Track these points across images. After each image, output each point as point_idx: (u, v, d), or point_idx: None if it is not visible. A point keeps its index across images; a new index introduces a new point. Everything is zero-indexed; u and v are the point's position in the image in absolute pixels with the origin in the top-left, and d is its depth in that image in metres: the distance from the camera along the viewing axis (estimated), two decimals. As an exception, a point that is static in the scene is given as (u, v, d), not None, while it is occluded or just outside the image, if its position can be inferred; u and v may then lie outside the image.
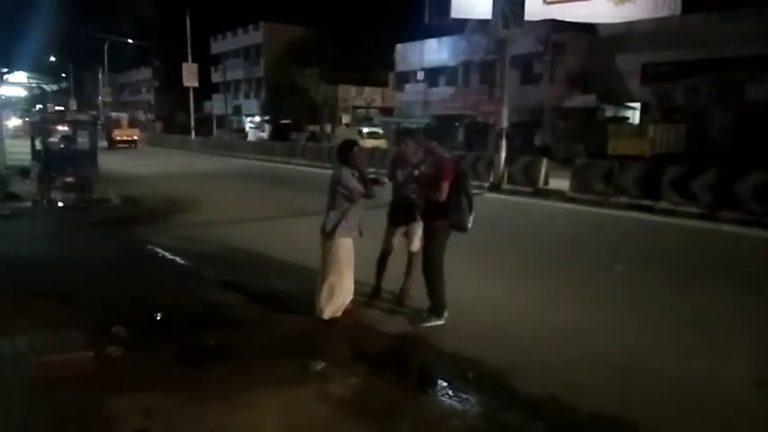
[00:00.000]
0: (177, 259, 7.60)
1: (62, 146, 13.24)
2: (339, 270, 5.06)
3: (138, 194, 14.14)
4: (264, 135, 46.53)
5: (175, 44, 46.02)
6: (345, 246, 5.08)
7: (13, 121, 20.09)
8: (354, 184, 5.04)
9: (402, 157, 5.66)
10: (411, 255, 5.64)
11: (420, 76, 37.93)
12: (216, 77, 60.93)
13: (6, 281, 6.14)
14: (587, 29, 28.90)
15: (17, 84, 14.44)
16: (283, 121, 45.94)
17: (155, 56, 68.62)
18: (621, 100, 27.59)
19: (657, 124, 22.23)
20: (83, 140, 13.61)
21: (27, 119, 18.06)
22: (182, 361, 4.22)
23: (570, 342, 4.91)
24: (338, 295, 5.10)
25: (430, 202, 5.12)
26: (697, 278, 7.02)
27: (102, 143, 12.69)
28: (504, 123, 16.81)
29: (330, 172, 5.41)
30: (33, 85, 15.02)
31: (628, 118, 27.33)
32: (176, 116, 61.09)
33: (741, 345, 4.93)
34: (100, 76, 68.77)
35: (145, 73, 75.74)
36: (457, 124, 33.39)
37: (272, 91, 51.13)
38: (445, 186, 4.96)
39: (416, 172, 5.43)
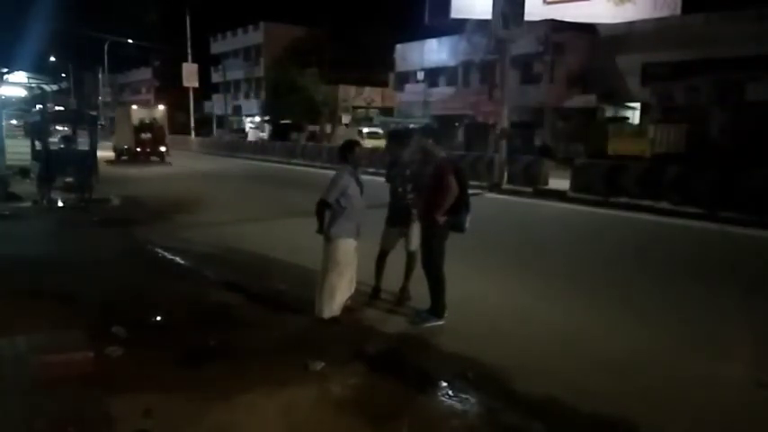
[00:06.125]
0: (177, 259, 7.60)
1: (62, 146, 13.24)
2: (338, 270, 5.05)
3: (137, 195, 14.14)
4: (264, 135, 46.54)
5: (175, 44, 46.04)
6: (345, 246, 5.07)
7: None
8: (353, 185, 5.04)
9: (398, 158, 5.67)
10: (410, 255, 5.65)
11: (420, 76, 37.92)
12: (216, 77, 60.84)
13: (6, 281, 6.13)
14: (587, 29, 28.88)
15: (17, 84, 14.41)
16: (283, 121, 45.90)
17: (155, 56, 68.57)
18: (621, 100, 27.58)
19: (657, 124, 22.23)
20: (83, 141, 13.61)
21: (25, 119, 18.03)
22: (182, 361, 4.22)
23: (570, 342, 4.91)
24: (338, 295, 5.10)
25: (429, 203, 5.10)
26: (697, 278, 7.03)
27: None
28: (505, 123, 16.82)
29: (330, 172, 5.40)
30: (33, 85, 14.99)
31: (628, 118, 27.31)
32: (176, 116, 60.97)
33: (741, 345, 4.93)
34: (100, 76, 68.82)
35: (145, 73, 75.67)
36: (457, 124, 33.36)
37: (271, 91, 51.11)
38: (452, 180, 4.94)
39: (408, 171, 5.46)
